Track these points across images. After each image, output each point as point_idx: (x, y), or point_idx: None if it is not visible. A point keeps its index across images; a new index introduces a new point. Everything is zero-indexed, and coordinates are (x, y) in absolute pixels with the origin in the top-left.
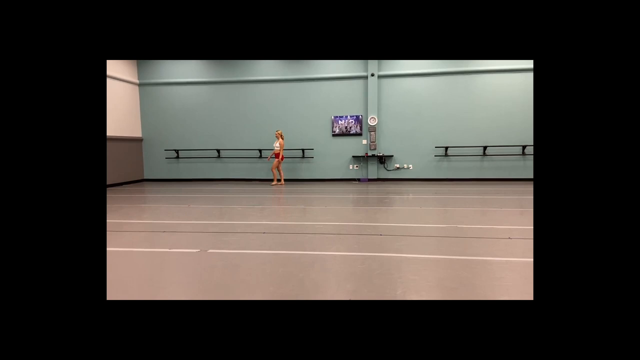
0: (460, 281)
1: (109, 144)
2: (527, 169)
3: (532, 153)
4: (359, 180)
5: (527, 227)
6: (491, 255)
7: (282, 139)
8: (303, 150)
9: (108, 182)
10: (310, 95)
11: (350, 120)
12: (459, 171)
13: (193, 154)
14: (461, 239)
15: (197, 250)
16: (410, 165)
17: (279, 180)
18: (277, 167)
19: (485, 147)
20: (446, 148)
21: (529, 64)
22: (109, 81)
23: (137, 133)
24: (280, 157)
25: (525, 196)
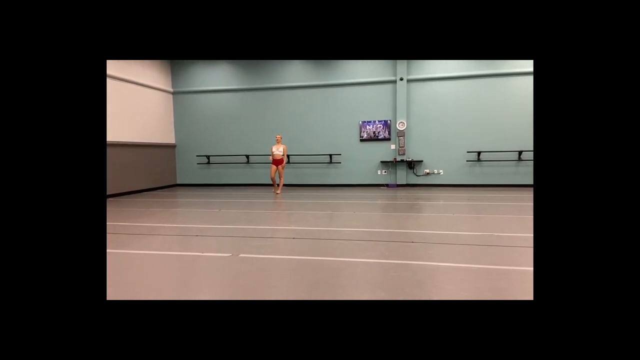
0: (499, 292)
1: (144, 150)
2: None
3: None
4: (387, 185)
5: None
6: (532, 265)
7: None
8: (330, 155)
9: (143, 187)
10: (338, 101)
11: (379, 125)
12: (492, 177)
13: (223, 159)
14: (498, 247)
15: (228, 255)
16: (441, 171)
17: (278, 185)
18: (280, 173)
19: (520, 152)
20: (479, 153)
21: None
22: (144, 90)
23: (171, 139)
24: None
25: None
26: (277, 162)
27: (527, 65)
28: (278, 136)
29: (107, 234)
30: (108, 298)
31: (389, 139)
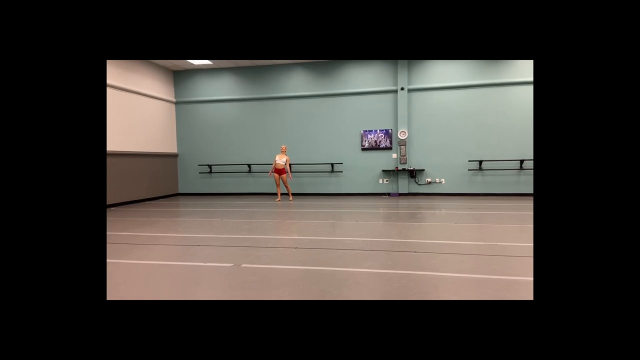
0: None
1: (146, 160)
2: None
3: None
4: (389, 194)
5: None
6: None
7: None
8: (332, 164)
9: (144, 197)
10: (339, 110)
11: (380, 134)
12: (494, 186)
13: (225, 168)
14: (501, 257)
15: (231, 265)
16: (443, 180)
17: (285, 194)
18: (285, 182)
19: (522, 161)
20: (480, 162)
21: None
22: (147, 100)
23: (173, 149)
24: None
25: None
26: (279, 171)
27: (528, 74)
28: (283, 147)
29: (108, 244)
30: None
31: (390, 148)
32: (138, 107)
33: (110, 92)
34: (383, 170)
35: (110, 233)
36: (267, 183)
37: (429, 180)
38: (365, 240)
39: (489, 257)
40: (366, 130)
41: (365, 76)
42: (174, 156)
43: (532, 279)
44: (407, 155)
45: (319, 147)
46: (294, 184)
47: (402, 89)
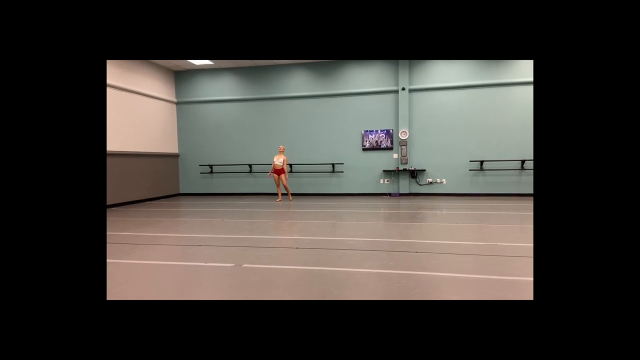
0: None
1: (147, 160)
2: None
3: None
4: (389, 194)
5: None
6: None
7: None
8: (333, 164)
9: (146, 197)
10: (340, 110)
11: (381, 135)
12: (495, 186)
13: (226, 169)
14: (502, 257)
15: (232, 265)
16: (444, 180)
17: (285, 194)
18: (283, 182)
19: (523, 161)
20: (481, 162)
21: None
22: (148, 100)
23: (174, 149)
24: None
25: None
26: (278, 171)
27: (529, 74)
28: (281, 147)
29: (109, 244)
30: None
31: (391, 148)
32: (139, 107)
33: (110, 92)
34: (384, 171)
35: (111, 233)
36: (267, 183)
37: (430, 180)
38: (366, 241)
39: (490, 257)
40: (367, 131)
41: (366, 76)
42: (175, 156)
43: (532, 279)
44: (408, 156)
45: (320, 147)
46: (294, 184)
47: (403, 89)
